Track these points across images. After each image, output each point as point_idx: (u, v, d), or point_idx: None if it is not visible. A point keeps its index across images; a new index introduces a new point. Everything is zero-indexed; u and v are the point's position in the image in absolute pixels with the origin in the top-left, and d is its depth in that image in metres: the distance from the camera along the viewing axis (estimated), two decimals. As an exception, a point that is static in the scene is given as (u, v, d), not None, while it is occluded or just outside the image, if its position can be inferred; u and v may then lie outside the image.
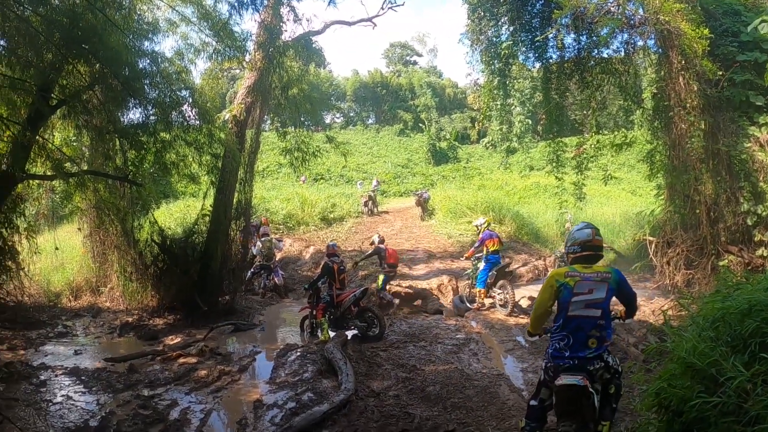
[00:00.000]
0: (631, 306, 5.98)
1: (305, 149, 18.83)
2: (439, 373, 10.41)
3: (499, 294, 14.87)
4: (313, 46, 19.50)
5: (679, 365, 5.32)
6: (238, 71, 27.52)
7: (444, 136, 66.77)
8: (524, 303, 15.56)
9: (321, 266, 14.77)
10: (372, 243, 18.95)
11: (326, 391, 9.93)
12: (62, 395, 10.13)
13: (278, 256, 22.45)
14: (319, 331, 14.01)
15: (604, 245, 6.07)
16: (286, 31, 17.56)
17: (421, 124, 65.86)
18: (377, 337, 13.38)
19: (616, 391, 5.77)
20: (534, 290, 15.88)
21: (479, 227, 16.55)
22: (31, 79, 10.24)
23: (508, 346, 12.36)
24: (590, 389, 5.46)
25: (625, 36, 15.58)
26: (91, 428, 8.56)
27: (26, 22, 9.17)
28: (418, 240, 26.05)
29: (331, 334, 13.54)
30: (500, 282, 14.98)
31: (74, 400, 9.90)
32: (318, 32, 19.09)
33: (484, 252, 15.65)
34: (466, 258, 17.06)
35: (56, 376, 11.32)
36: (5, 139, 11.30)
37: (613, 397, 5.78)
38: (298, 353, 12.57)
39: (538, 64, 19.28)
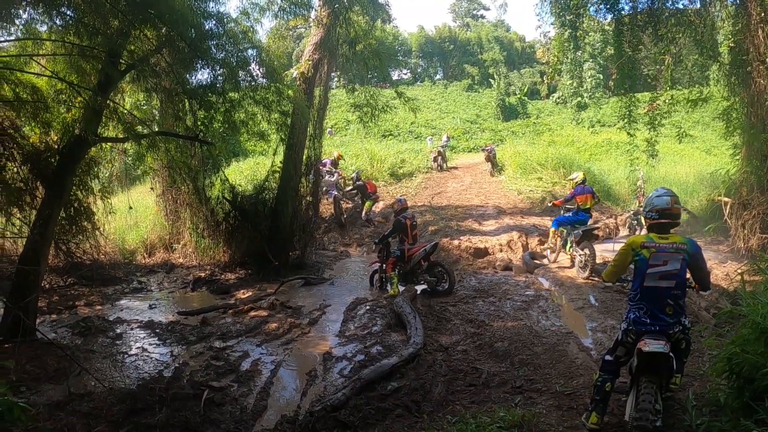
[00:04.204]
0: (702, 283, 5.92)
1: (374, 105, 18.74)
2: (507, 330, 10.37)
3: (580, 255, 14.41)
4: (379, 0, 19.31)
5: (753, 330, 5.21)
6: (303, 30, 27.52)
7: (513, 91, 65.73)
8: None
9: (393, 221, 14.73)
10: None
11: (395, 344, 10.04)
12: (137, 347, 10.52)
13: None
14: (388, 285, 14.10)
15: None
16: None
17: (490, 79, 64.88)
18: (446, 292, 13.39)
19: (686, 346, 5.86)
20: (604, 249, 15.54)
21: (573, 181, 15.97)
22: (99, 46, 10.30)
23: (577, 304, 12.12)
24: (670, 353, 5.50)
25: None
26: (165, 378, 8.81)
27: None
28: (487, 196, 25.80)
29: (401, 288, 13.57)
30: (584, 243, 14.55)
31: (149, 352, 10.28)
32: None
33: (575, 207, 15.18)
34: (553, 205, 16.79)
35: (131, 329, 11.75)
36: (77, 104, 11.48)
37: (683, 352, 5.90)
38: (368, 307, 12.77)
39: (609, 16, 18.63)
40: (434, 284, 13.68)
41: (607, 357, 6.14)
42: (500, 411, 6.63)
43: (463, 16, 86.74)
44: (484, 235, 18.67)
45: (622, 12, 17.54)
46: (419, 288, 13.88)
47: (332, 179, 22.46)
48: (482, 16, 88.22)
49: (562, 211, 15.64)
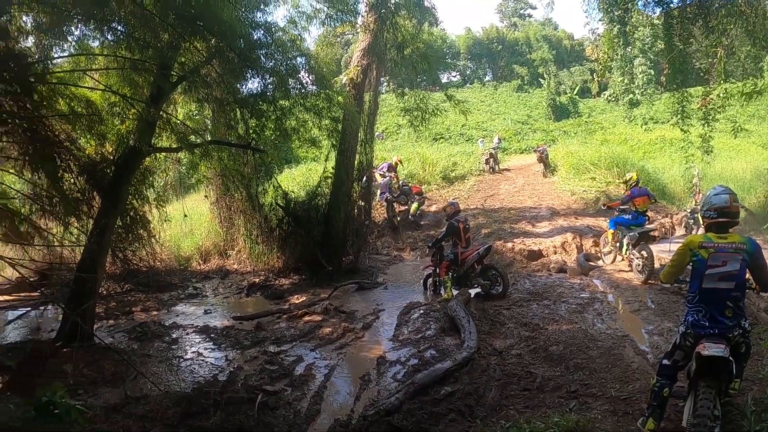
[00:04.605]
0: (763, 283, 5.72)
1: (424, 108, 18.74)
2: (562, 333, 10.22)
3: (637, 258, 14.08)
4: (425, 4, 19.31)
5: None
6: (351, 36, 27.63)
7: (563, 90, 64.88)
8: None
9: (445, 225, 14.69)
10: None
11: (449, 348, 10.00)
12: (193, 352, 10.73)
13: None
14: (442, 289, 14.02)
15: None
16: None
17: (541, 79, 64.25)
18: (500, 295, 13.29)
19: (746, 350, 5.70)
20: (660, 249, 15.20)
21: (628, 183, 15.69)
22: (151, 59, 10.56)
23: (633, 306, 11.87)
24: (730, 357, 5.38)
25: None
26: (219, 382, 8.96)
27: (140, 6, 9.46)
28: (540, 197, 25.48)
29: (454, 291, 13.55)
30: (641, 245, 14.21)
31: (204, 356, 10.46)
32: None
33: (632, 209, 14.78)
34: (607, 207, 16.56)
35: (187, 334, 12.02)
36: (131, 116, 11.76)
37: (743, 356, 5.73)
38: (421, 311, 12.74)
39: (658, 10, 18.30)
40: (488, 287, 13.58)
41: (665, 361, 6.00)
42: (554, 416, 6.56)
43: (510, 16, 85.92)
44: (537, 237, 18.48)
45: (671, 5, 17.20)
46: (473, 291, 13.78)
47: (384, 182, 22.54)
48: (529, 15, 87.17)
49: (616, 213, 15.37)
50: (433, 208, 24.50)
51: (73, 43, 10.81)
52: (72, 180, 11.30)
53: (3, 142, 10.00)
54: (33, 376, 7.92)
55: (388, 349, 10.49)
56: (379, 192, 22.70)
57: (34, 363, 8.80)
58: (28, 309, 12.68)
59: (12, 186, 11.26)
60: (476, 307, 12.58)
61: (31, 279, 12.41)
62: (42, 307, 11.57)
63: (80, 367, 9.12)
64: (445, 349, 10.00)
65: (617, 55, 21.78)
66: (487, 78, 75.71)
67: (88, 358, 9.62)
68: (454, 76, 76.89)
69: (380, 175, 22.84)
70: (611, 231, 15.36)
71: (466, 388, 7.98)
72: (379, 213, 23.46)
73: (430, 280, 14.88)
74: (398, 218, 22.94)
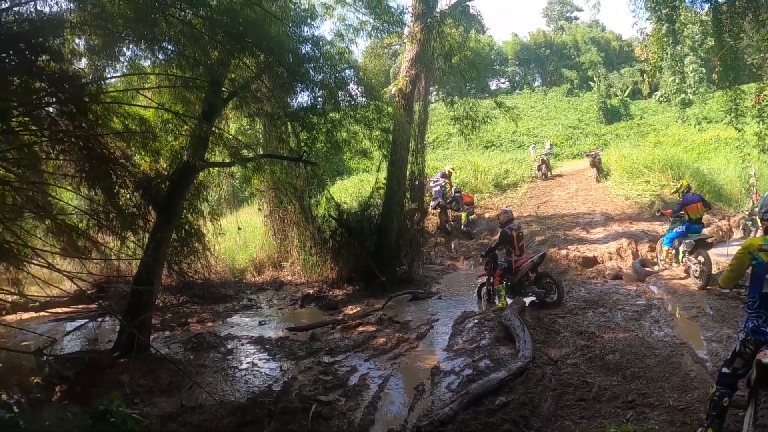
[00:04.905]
0: None
1: (474, 116, 18.71)
2: (618, 341, 10.04)
3: (694, 264, 13.73)
4: (470, 11, 19.28)
5: None
6: (398, 46, 27.73)
7: (614, 92, 63.96)
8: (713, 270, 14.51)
9: (499, 233, 14.61)
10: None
11: (503, 358, 9.93)
12: (247, 362, 10.87)
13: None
14: (496, 297, 13.96)
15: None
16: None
17: (591, 82, 63.49)
18: (555, 303, 13.16)
19: None
20: (718, 253, 14.87)
21: (679, 191, 15.23)
22: (201, 76, 10.86)
23: (691, 313, 11.60)
24: None
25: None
26: (274, 392, 9.06)
27: (189, 25, 9.68)
28: (594, 202, 25.16)
29: (509, 300, 13.43)
30: (697, 251, 13.82)
31: (259, 367, 10.58)
32: (468, -2, 18.70)
33: (686, 218, 14.48)
34: (660, 213, 16.28)
35: (242, 345, 12.19)
36: (184, 132, 12.04)
37: None
38: (476, 320, 12.69)
39: (706, 6, 17.92)
40: (542, 296, 13.47)
41: (724, 369, 5.86)
42: (611, 427, 6.49)
43: (556, 20, 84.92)
44: (592, 244, 18.24)
45: (719, 0, 16.84)
46: (527, 300, 13.70)
47: (438, 188, 22.57)
48: (576, 18, 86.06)
49: (670, 222, 15.10)
50: (486, 216, 24.40)
51: (125, 63, 11.13)
52: (128, 195, 11.58)
53: (60, 161, 10.28)
54: (90, 386, 8.08)
55: (442, 359, 10.46)
56: (432, 199, 22.70)
57: (92, 373, 8.97)
58: (86, 320, 13.05)
59: (69, 202, 11.59)
60: (531, 315, 12.48)
61: (89, 291, 12.75)
62: (99, 319, 11.86)
63: (137, 377, 9.35)
64: (499, 358, 9.93)
65: (667, 54, 21.40)
66: (536, 83, 75.14)
67: (145, 368, 9.83)
68: (503, 83, 76.46)
69: (434, 182, 22.90)
70: (666, 248, 15.08)
71: (521, 398, 7.91)
72: (432, 222, 23.42)
73: (484, 289, 14.78)
74: (451, 223, 22.91)
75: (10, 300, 13.05)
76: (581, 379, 8.54)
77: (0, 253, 9.28)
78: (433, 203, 22.72)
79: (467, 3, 18.43)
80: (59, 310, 15.30)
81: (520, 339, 10.26)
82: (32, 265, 9.28)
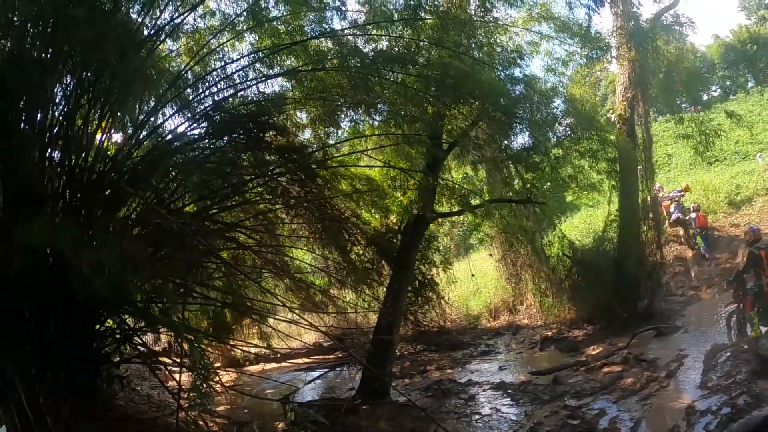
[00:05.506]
0: None
1: (706, 131, 17.73)
2: None
3: None
4: (675, 20, 18.40)
5: None
6: (599, 72, 27.12)
7: None
8: None
9: (745, 255, 13.54)
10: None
11: (764, 393, 9.13)
12: (490, 407, 10.95)
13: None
14: (748, 326, 12.70)
15: None
16: (641, 15, 16.89)
17: (816, 74, 58.71)
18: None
19: None
20: None
21: None
22: (420, 131, 11.37)
23: None
24: None
25: None
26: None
27: (402, 85, 10.22)
28: None
29: (763, 329, 12.20)
30: None
31: (502, 412, 10.62)
32: (670, 6, 17.64)
33: None
34: None
35: (483, 390, 12.24)
36: (411, 186, 12.44)
37: None
38: (728, 353, 11.79)
39: None
40: (804, 320, 12.20)
41: None
42: None
43: (755, 11, 79.47)
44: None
45: None
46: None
47: (676, 205, 21.57)
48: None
49: None
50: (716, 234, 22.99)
51: (346, 128, 12.03)
52: (360, 251, 12.10)
53: (295, 224, 11.07)
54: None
55: (696, 398, 9.87)
56: (668, 215, 21.72)
57: (333, 419, 9.41)
58: (326, 370, 14.18)
59: (305, 261, 12.36)
60: (793, 343, 11.39)
61: (327, 343, 13.58)
62: (338, 369, 12.41)
63: (377, 422, 9.79)
64: (759, 393, 9.14)
65: None
66: (750, 84, 70.61)
67: (387, 414, 10.21)
68: (715, 91, 72.56)
69: (668, 198, 21.97)
70: None
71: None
72: (669, 251, 22.20)
73: (734, 318, 13.51)
74: (694, 241, 21.56)
75: (254, 352, 14.14)
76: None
77: (246, 310, 10.12)
78: (673, 218, 21.59)
79: (666, 13, 17.49)
80: (299, 360, 16.38)
81: (781, 370, 9.39)
82: (274, 320, 10.09)
